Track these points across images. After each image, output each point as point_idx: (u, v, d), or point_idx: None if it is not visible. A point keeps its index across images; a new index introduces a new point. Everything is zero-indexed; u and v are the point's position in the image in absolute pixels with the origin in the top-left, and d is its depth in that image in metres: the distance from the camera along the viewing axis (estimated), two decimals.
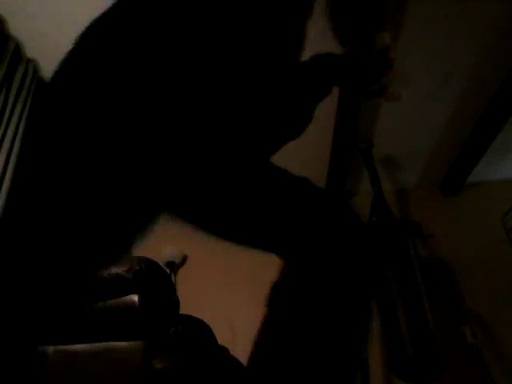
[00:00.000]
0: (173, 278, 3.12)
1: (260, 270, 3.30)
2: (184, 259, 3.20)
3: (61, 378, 0.90)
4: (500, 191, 3.10)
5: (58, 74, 0.64)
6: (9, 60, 1.89)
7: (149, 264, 0.92)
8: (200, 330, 1.01)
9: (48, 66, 2.14)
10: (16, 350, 0.81)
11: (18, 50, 1.97)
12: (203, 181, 0.52)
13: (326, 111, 2.44)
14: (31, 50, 2.05)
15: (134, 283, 0.89)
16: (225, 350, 1.24)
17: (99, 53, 0.52)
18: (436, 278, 2.52)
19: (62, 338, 0.93)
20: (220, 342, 1.15)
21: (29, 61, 2.04)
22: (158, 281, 0.95)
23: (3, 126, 1.81)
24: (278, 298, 0.56)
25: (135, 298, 0.89)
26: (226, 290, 3.06)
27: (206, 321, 1.05)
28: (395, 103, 2.59)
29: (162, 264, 2.40)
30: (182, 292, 2.86)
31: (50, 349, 0.92)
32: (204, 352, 1.02)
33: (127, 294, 0.90)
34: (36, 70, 2.07)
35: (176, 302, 1.02)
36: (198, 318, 1.03)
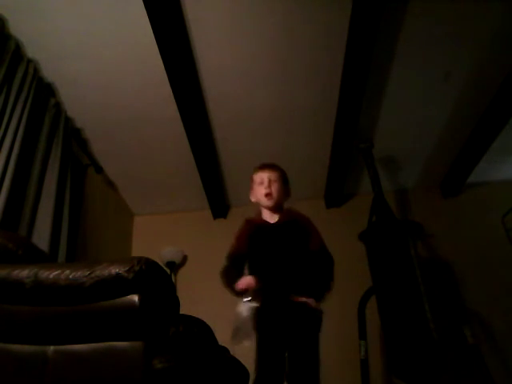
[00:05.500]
0: (173, 277, 3.12)
1: None
2: (184, 259, 3.20)
3: (61, 378, 0.90)
4: (500, 191, 3.10)
5: None
6: (9, 60, 1.89)
7: (149, 264, 0.92)
8: (200, 330, 1.01)
9: (48, 66, 2.14)
10: None
11: (18, 49, 1.97)
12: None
13: (326, 111, 2.44)
14: (31, 50, 2.05)
15: (134, 283, 0.89)
16: (225, 350, 1.24)
17: None
18: (436, 277, 2.52)
19: (62, 338, 0.93)
20: (220, 341, 1.15)
21: (29, 61, 2.04)
22: (158, 281, 0.95)
23: (4, 126, 1.81)
24: None
25: (135, 298, 0.89)
26: (225, 290, 3.05)
27: (205, 321, 1.05)
28: (396, 103, 2.60)
29: (162, 264, 2.39)
30: (182, 292, 2.86)
31: (50, 349, 0.92)
32: (204, 352, 1.02)
33: (127, 294, 0.90)
34: (36, 70, 2.07)
35: (176, 302, 1.02)
36: (197, 318, 1.03)
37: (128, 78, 2.21)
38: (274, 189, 1.68)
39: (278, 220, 1.69)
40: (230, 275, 1.64)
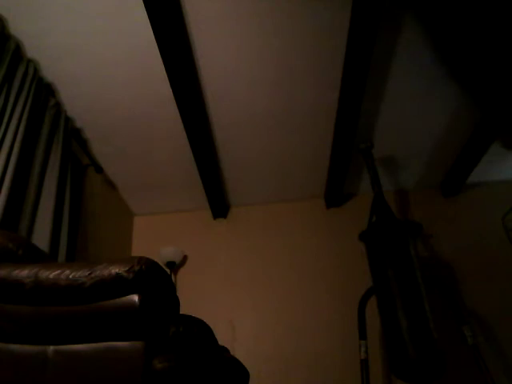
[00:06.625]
0: (173, 277, 3.12)
1: (260, 270, 3.33)
2: (184, 259, 3.21)
3: (61, 378, 0.90)
4: (500, 191, 3.10)
5: None
6: (9, 60, 1.89)
7: (149, 264, 0.92)
8: (200, 330, 1.01)
9: (48, 66, 2.14)
10: None
11: (18, 49, 1.97)
12: None
13: (326, 111, 2.44)
14: (31, 50, 2.06)
15: (134, 283, 0.89)
16: (225, 349, 1.24)
17: None
18: (436, 277, 2.52)
19: (62, 338, 0.93)
20: (220, 341, 1.15)
21: (29, 61, 2.04)
22: (158, 281, 0.95)
23: (3, 126, 1.81)
24: None
25: (135, 297, 0.89)
26: (226, 289, 3.06)
27: (205, 321, 1.05)
28: (396, 103, 2.59)
29: (162, 264, 2.40)
30: (182, 292, 2.87)
31: (50, 349, 0.92)
32: (204, 352, 1.02)
33: (127, 294, 0.90)
34: (36, 70, 2.07)
35: (176, 302, 1.02)
36: (197, 318, 1.03)
37: (128, 78, 2.21)
38: None
39: None
40: None
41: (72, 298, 0.92)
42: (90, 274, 0.90)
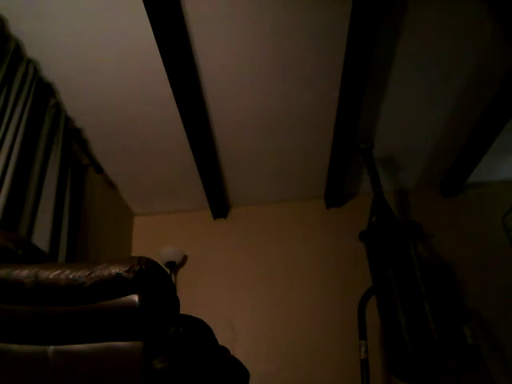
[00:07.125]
0: (173, 277, 3.12)
1: (260, 270, 3.33)
2: (184, 259, 3.21)
3: (61, 378, 0.90)
4: (500, 191, 3.10)
5: None
6: (9, 60, 1.89)
7: (149, 264, 0.92)
8: (200, 330, 1.01)
9: (48, 66, 2.14)
10: None
11: (18, 49, 1.97)
12: None
13: (325, 111, 2.44)
14: (31, 50, 2.06)
15: (134, 283, 0.89)
16: (225, 349, 1.24)
17: None
18: (436, 277, 2.52)
19: (62, 338, 0.93)
20: (220, 341, 1.15)
21: (29, 61, 2.04)
22: (158, 281, 0.95)
23: (3, 126, 1.81)
24: None
25: (135, 297, 0.89)
26: (226, 289, 3.06)
27: (205, 321, 1.05)
28: (396, 103, 2.60)
29: (162, 264, 2.41)
30: (182, 292, 2.87)
31: (50, 349, 0.92)
32: (204, 352, 1.02)
33: (127, 294, 0.90)
34: (36, 70, 2.07)
35: (176, 302, 1.02)
36: (197, 318, 1.03)
37: (128, 77, 2.21)
38: None
39: None
40: None
41: (72, 298, 0.92)
42: (89, 274, 0.90)
